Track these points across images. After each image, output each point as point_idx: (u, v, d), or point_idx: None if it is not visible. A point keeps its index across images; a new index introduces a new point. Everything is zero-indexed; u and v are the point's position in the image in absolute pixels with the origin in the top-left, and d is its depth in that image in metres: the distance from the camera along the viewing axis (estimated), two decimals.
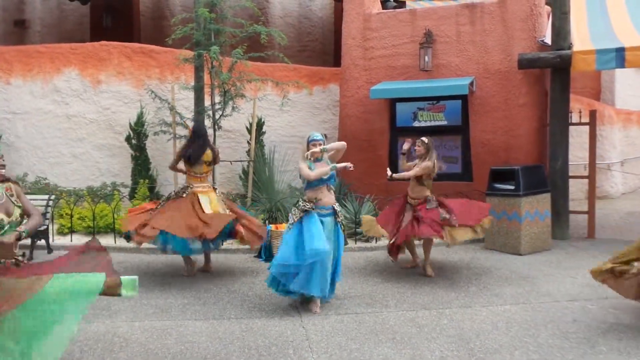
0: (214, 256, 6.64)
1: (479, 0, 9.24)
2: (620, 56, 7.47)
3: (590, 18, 8.64)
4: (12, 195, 3.27)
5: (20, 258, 3.31)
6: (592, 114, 8.63)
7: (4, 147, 9.52)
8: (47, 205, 7.58)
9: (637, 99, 14.14)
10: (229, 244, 7.14)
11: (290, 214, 5.24)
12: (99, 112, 10.00)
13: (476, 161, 9.05)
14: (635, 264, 4.50)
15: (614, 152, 12.72)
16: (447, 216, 6.05)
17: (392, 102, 9.60)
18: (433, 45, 9.22)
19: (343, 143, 5.26)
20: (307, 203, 5.09)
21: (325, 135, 5.46)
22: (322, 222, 5.07)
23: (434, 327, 4.64)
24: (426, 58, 9.14)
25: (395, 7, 10.81)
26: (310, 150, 5.09)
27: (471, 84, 8.76)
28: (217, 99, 8.82)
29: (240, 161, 9.86)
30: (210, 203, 6.20)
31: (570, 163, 8.60)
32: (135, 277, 3.23)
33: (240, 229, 6.13)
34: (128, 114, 9.86)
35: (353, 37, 9.88)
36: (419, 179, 6.24)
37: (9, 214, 3.16)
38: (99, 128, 10.00)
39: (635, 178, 13.49)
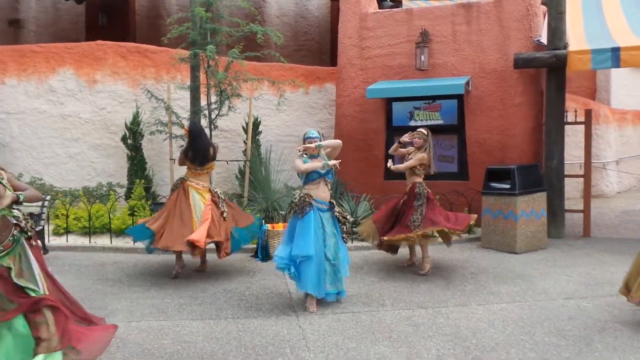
0: (210, 256, 6.63)
1: (475, 0, 9.27)
2: (615, 56, 7.50)
3: (585, 18, 8.67)
4: (2, 179, 3.23)
5: (29, 226, 3.29)
6: (588, 113, 8.66)
7: None
8: (42, 206, 7.54)
9: (633, 98, 14.18)
10: None
11: (290, 204, 5.31)
12: (95, 111, 9.96)
13: (472, 160, 9.07)
14: None
15: (610, 151, 12.76)
16: (418, 220, 6.15)
17: (388, 102, 9.61)
18: (429, 45, 9.23)
19: (339, 141, 5.34)
20: (305, 196, 5.13)
21: (322, 135, 5.47)
22: (321, 217, 5.11)
23: (431, 325, 4.65)
24: (422, 57, 9.15)
25: (391, 7, 10.80)
26: (303, 145, 5.14)
27: (467, 83, 8.78)
28: (213, 98, 8.81)
29: (237, 161, 9.85)
30: (199, 203, 6.24)
31: (565, 162, 8.63)
32: None
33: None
34: (124, 113, 9.83)
35: (349, 36, 9.89)
36: (412, 168, 6.31)
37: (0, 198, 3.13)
38: (94, 128, 9.97)
39: (630, 177, 13.55)
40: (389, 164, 6.39)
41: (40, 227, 7.37)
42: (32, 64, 9.88)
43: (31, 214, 7.30)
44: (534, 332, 4.46)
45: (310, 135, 5.23)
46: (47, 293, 3.18)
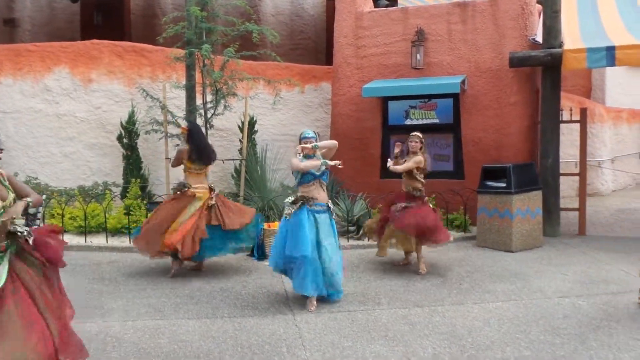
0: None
1: None
2: (610, 55, 7.52)
3: (581, 17, 8.69)
4: (3, 180, 3.20)
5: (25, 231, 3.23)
6: (583, 112, 8.68)
7: None
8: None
9: (628, 97, 14.23)
10: None
11: (285, 205, 5.30)
12: (90, 111, 9.94)
13: (468, 159, 9.09)
14: None
15: (605, 150, 12.81)
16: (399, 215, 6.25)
17: (384, 101, 9.62)
18: (425, 44, 9.24)
19: (334, 142, 5.34)
20: (299, 198, 5.14)
21: (318, 134, 5.47)
22: (316, 219, 5.11)
23: (427, 324, 4.66)
24: (418, 56, 9.16)
25: (387, 6, 10.82)
26: (300, 145, 5.13)
27: (463, 82, 8.79)
28: (209, 97, 8.79)
29: (233, 160, 9.84)
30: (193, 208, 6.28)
31: (561, 161, 8.66)
32: None
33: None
34: (119, 112, 9.80)
35: (345, 35, 9.89)
36: (410, 172, 6.33)
37: (3, 199, 3.10)
38: (90, 127, 9.94)
39: (625, 175, 13.60)
40: (389, 163, 6.41)
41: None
42: (28, 63, 9.85)
43: (27, 214, 7.28)
44: (530, 331, 4.47)
45: (307, 135, 5.22)
46: None
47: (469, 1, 9.14)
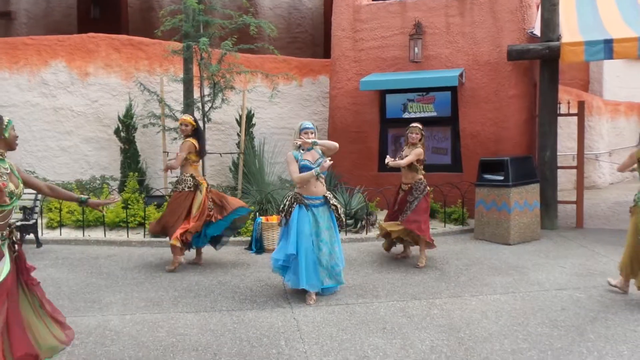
0: (204, 248, 6.64)
1: None
2: (608, 48, 7.52)
3: (579, 10, 8.68)
4: (14, 170, 3.51)
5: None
6: (581, 105, 8.69)
7: None
8: (35, 199, 7.52)
9: (625, 90, 14.25)
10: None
11: (282, 204, 5.30)
12: (87, 104, 9.91)
13: (466, 152, 9.10)
14: None
15: (602, 143, 12.83)
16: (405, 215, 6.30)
17: (382, 94, 9.61)
18: (423, 37, 9.22)
19: (335, 144, 5.22)
20: (293, 197, 5.15)
21: (317, 128, 5.45)
22: (314, 213, 5.10)
23: (424, 316, 4.67)
24: (416, 49, 9.14)
25: None
26: (301, 139, 5.09)
27: (461, 75, 8.78)
28: (207, 91, 8.78)
29: (230, 153, 9.83)
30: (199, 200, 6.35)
31: (558, 153, 8.67)
32: None
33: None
34: (117, 106, 9.79)
35: (343, 28, 9.86)
36: (410, 164, 6.33)
37: (16, 186, 3.35)
38: (87, 121, 9.92)
39: None
40: (387, 159, 6.37)
41: (34, 221, 7.34)
42: (24, 57, 9.81)
43: (24, 208, 7.28)
44: (527, 323, 4.49)
45: (306, 126, 5.19)
46: None
47: None
